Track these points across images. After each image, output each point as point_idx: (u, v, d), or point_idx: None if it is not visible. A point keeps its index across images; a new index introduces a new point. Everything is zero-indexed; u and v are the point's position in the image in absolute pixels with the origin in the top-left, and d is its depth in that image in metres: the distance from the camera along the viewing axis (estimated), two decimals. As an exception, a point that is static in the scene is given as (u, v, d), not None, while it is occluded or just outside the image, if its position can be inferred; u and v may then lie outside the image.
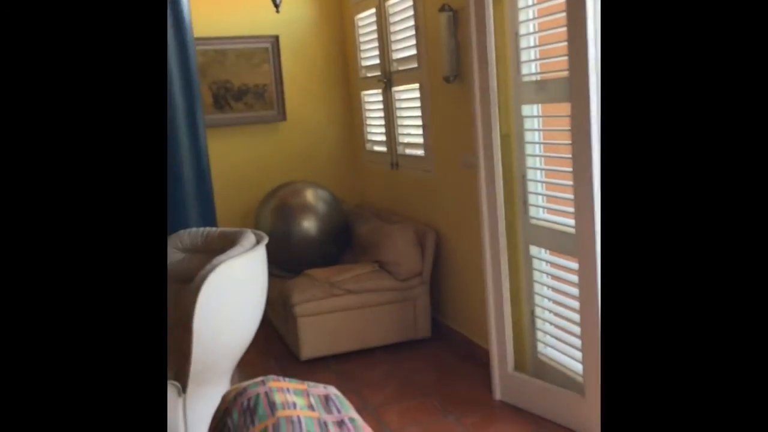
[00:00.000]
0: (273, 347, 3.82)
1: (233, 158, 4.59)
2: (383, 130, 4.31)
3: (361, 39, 4.49)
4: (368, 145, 4.66)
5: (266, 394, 1.65)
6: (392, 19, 3.97)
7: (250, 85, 4.54)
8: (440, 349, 3.60)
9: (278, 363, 3.59)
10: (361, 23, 4.46)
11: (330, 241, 4.04)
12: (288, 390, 1.73)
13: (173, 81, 2.95)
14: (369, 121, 4.59)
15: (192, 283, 2.44)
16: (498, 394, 2.97)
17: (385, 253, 3.65)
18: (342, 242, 4.14)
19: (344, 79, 4.84)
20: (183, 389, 2.30)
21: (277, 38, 4.57)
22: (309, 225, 3.98)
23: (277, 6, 3.61)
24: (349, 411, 1.54)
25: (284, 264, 3.97)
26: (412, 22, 3.71)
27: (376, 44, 4.24)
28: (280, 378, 1.79)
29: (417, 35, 3.66)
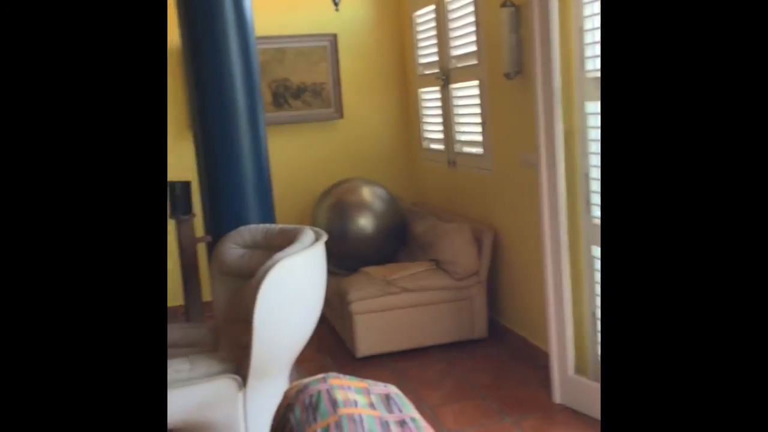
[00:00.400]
0: (329, 344, 3.84)
1: (291, 156, 4.64)
2: (440, 127, 4.28)
3: (419, 36, 4.47)
4: (425, 143, 4.64)
5: (328, 391, 1.65)
6: (451, 16, 3.94)
7: (309, 83, 4.58)
8: (497, 350, 3.55)
9: (334, 359, 3.61)
10: (419, 20, 4.44)
11: (386, 238, 4.04)
12: (349, 388, 1.73)
13: (235, 80, 2.99)
14: (426, 119, 4.57)
15: (253, 278, 2.48)
16: (557, 398, 2.91)
17: (441, 252, 3.62)
18: (398, 240, 4.13)
19: (401, 76, 4.83)
20: (243, 383, 2.33)
21: (335, 36, 4.59)
22: (365, 222, 3.99)
23: (336, 4, 3.63)
24: (411, 411, 1.52)
25: (340, 261, 3.99)
26: (472, 18, 3.67)
27: (434, 41, 4.21)
28: (341, 375, 1.79)
29: (477, 31, 3.62)
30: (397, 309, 3.52)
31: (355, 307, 3.47)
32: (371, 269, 3.70)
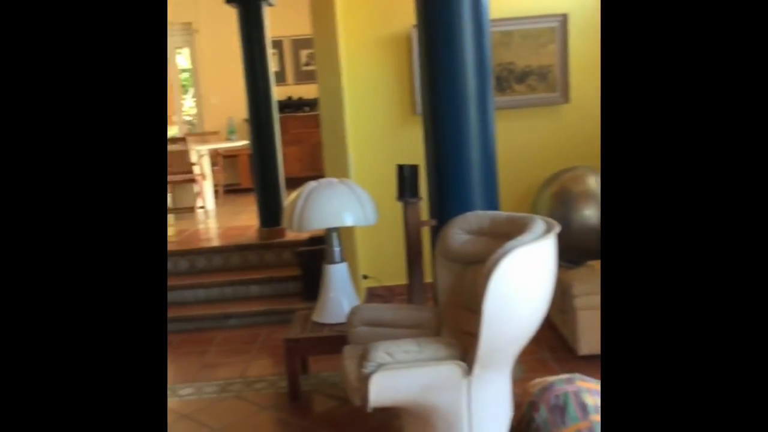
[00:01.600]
0: (547, 337, 3.70)
1: (512, 141, 4.53)
2: (681, 113, 3.89)
3: (661, 13, 4.08)
4: (660, 130, 4.26)
5: (575, 393, 1.55)
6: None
7: (534, 66, 4.42)
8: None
9: (553, 355, 3.47)
10: (661, -5, 4.06)
11: (613, 232, 3.78)
12: (598, 392, 1.61)
13: (467, 64, 2.96)
14: (663, 104, 4.18)
15: (481, 265, 2.44)
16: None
17: (680, 250, 3.30)
18: (626, 234, 3.85)
19: (636, 57, 4.47)
20: (469, 370, 2.30)
21: (565, 17, 4.37)
22: (590, 213, 3.77)
23: (572, -19, 3.43)
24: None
25: (561, 252, 3.81)
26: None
27: (679, 17, 3.82)
28: (587, 378, 1.68)
29: None
30: (625, 308, 3.28)
31: (579, 302, 3.30)
32: (598, 263, 3.48)
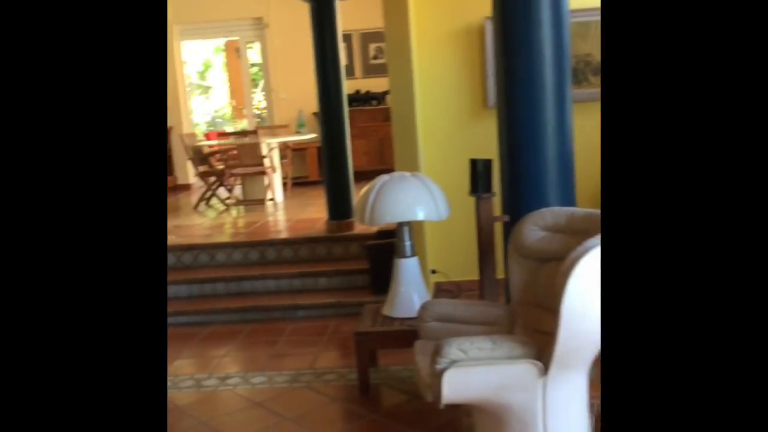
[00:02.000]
0: (621, 338, 3.59)
1: (588, 135, 4.39)
2: None
3: None
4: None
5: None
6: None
7: (612, 58, 4.28)
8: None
9: (629, 356, 3.36)
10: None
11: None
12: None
13: (545, 56, 2.89)
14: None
15: (557, 263, 2.38)
16: None
17: None
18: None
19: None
20: (545, 370, 2.25)
21: (646, 6, 4.21)
22: (670, 211, 3.63)
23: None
24: None
25: (639, 251, 3.69)
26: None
27: None
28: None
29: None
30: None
31: (658, 303, 3.18)
32: (678, 263, 3.35)
